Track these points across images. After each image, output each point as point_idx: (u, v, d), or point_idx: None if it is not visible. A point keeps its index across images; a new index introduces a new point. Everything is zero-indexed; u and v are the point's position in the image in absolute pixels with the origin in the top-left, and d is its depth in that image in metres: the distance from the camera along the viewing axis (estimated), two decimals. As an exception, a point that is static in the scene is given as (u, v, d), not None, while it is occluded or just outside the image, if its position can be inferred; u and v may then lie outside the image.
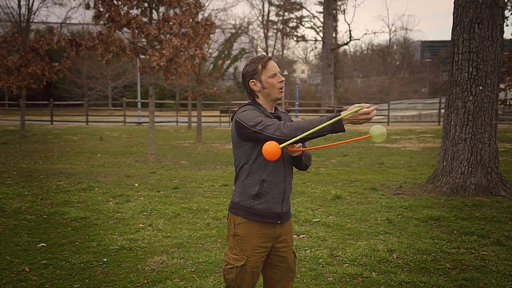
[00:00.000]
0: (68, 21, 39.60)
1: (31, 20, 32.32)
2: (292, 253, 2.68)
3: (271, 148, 2.26)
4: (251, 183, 2.50)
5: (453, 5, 7.40)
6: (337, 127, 2.25)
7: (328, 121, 2.24)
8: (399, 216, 5.99)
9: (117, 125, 26.04)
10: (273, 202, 2.52)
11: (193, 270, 4.18)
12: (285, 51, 54.79)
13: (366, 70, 55.81)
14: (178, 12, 11.56)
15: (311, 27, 47.71)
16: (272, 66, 2.55)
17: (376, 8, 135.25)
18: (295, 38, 48.74)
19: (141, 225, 5.60)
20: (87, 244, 4.87)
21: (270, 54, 48.32)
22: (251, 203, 2.51)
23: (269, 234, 2.56)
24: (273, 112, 2.61)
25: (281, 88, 2.56)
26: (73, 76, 37.23)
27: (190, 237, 5.15)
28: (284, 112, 2.73)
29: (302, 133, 2.27)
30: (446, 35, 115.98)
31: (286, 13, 49.43)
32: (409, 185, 7.99)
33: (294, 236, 5.13)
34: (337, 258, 4.47)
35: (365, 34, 78.99)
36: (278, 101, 2.62)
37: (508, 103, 19.65)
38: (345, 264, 4.32)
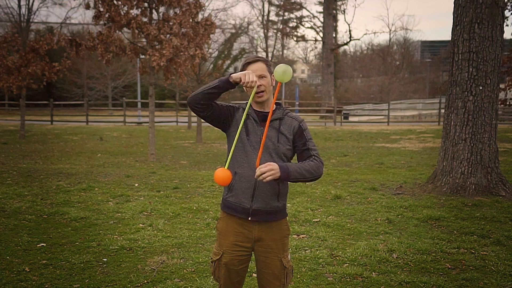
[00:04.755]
0: (68, 21, 39.60)
1: (31, 20, 32.27)
2: (278, 261, 2.58)
3: (220, 175, 2.41)
4: None
5: (453, 5, 7.40)
6: (224, 80, 2.46)
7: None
8: (399, 216, 5.99)
9: (117, 125, 26.04)
10: (242, 196, 2.54)
11: (193, 270, 4.18)
12: (285, 51, 54.80)
13: (366, 70, 55.82)
14: (178, 12, 11.56)
15: (311, 27, 47.77)
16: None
17: (376, 8, 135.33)
18: (295, 38, 48.79)
19: (141, 225, 5.60)
20: (87, 244, 4.86)
21: (270, 54, 48.50)
22: (226, 195, 2.62)
23: (247, 234, 2.58)
24: (266, 110, 2.59)
25: (258, 93, 2.53)
26: (73, 76, 37.26)
27: (190, 237, 5.15)
28: (292, 118, 2.60)
29: (202, 90, 2.49)
30: (446, 35, 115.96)
31: (286, 13, 49.46)
32: (409, 185, 7.99)
33: (294, 236, 5.14)
34: (337, 258, 4.47)
35: (365, 34, 79.27)
36: (277, 101, 2.63)
37: (508, 103, 19.68)
38: (345, 264, 4.32)
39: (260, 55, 2.67)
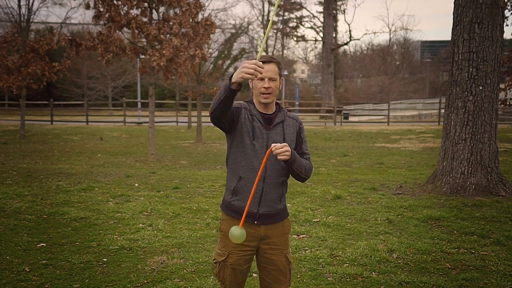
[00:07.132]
0: (68, 21, 39.62)
1: (31, 20, 32.34)
2: (283, 257, 2.61)
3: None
4: (231, 178, 2.59)
5: (453, 5, 7.41)
6: (226, 85, 2.33)
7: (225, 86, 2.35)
8: (399, 216, 5.99)
9: (117, 125, 26.03)
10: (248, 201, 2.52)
11: (193, 270, 4.18)
12: (285, 51, 54.79)
13: (366, 70, 55.79)
14: (178, 12, 11.56)
15: (311, 27, 47.79)
16: (263, 70, 2.47)
17: (376, 8, 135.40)
18: (295, 38, 48.81)
19: (141, 225, 5.60)
20: (87, 244, 4.86)
21: (270, 54, 48.47)
22: (229, 199, 2.59)
23: (253, 233, 2.56)
24: (269, 112, 2.57)
25: (265, 94, 2.50)
26: (73, 76, 37.23)
27: (190, 237, 5.15)
28: (292, 118, 2.63)
29: (215, 100, 2.40)
30: (446, 35, 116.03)
31: (286, 13, 49.45)
32: (409, 185, 7.99)
33: (294, 236, 5.14)
34: (337, 258, 4.47)
35: (365, 34, 79.35)
36: (278, 101, 2.63)
37: (508, 103, 19.69)
38: (345, 264, 4.32)
39: (274, 56, 2.65)
